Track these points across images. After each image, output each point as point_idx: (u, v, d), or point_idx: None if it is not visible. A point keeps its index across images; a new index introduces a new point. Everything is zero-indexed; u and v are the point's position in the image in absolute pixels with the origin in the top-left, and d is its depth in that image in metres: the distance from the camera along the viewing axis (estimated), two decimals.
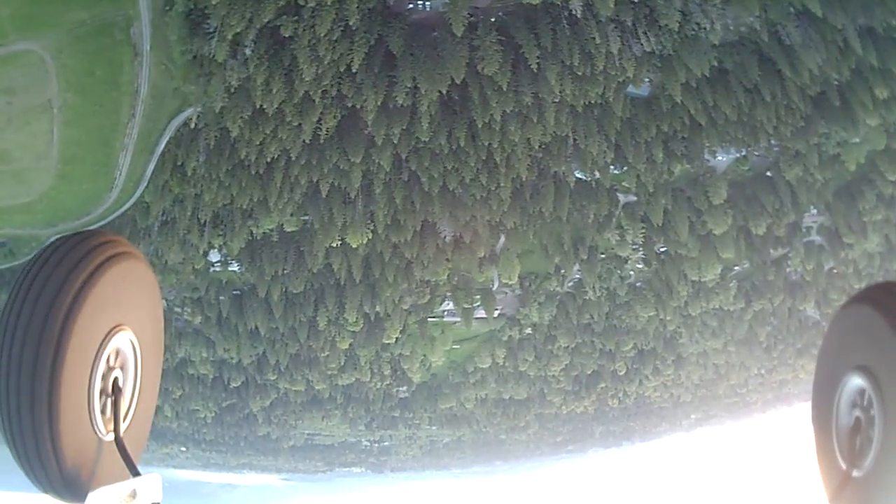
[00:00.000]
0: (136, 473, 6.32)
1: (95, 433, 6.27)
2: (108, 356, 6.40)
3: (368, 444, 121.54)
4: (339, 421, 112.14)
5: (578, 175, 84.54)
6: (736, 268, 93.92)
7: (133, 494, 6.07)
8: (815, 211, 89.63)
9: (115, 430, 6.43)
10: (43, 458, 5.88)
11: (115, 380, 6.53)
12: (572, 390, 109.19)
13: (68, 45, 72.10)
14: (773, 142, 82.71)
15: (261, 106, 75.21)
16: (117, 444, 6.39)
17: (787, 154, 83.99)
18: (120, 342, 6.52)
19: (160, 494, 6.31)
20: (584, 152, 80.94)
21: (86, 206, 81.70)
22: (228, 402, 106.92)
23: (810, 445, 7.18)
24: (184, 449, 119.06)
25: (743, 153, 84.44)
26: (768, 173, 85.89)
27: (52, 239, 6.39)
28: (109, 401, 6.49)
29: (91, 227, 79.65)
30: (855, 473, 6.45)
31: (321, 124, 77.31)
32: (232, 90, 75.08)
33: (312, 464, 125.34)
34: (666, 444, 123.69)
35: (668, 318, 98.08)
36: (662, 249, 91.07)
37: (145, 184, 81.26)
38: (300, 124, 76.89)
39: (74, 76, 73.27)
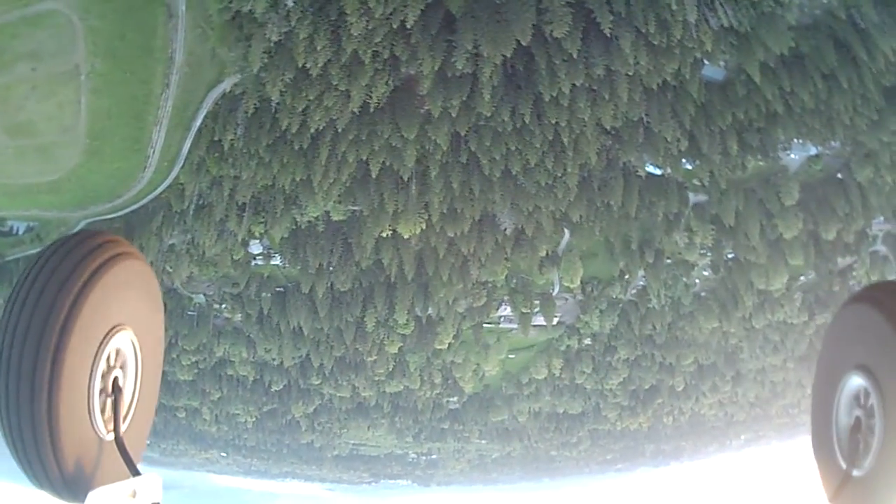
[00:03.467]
0: (136, 473, 5.90)
1: (95, 433, 5.92)
2: (109, 356, 6.04)
3: (415, 456, 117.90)
4: (386, 431, 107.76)
5: (650, 168, 78.15)
6: (802, 278, 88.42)
7: (133, 494, 5.66)
8: (881, 219, 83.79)
9: (116, 429, 6.05)
10: (43, 457, 5.55)
11: (115, 379, 6.15)
12: (628, 405, 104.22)
13: (96, 5, 64.71)
14: (847, 136, 76.01)
15: (304, 65, 66.87)
16: (117, 443, 6.02)
17: (858, 153, 77.70)
18: (120, 342, 6.16)
19: (160, 494, 5.85)
20: (657, 139, 73.67)
21: (117, 188, 75.39)
22: (270, 407, 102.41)
23: (810, 445, 6.84)
24: (224, 454, 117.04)
25: (816, 152, 78.83)
26: (839, 175, 79.97)
27: (52, 240, 4.89)
28: (109, 401, 6.10)
29: (125, 210, 76.73)
30: (855, 473, 6.15)
31: (371, 92, 69.06)
32: (272, 49, 67.41)
33: (357, 474, 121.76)
34: (712, 463, 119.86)
35: (731, 330, 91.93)
36: (730, 256, 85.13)
37: (181, 163, 74.36)
38: (348, 91, 68.59)
39: (103, 40, 65.77)
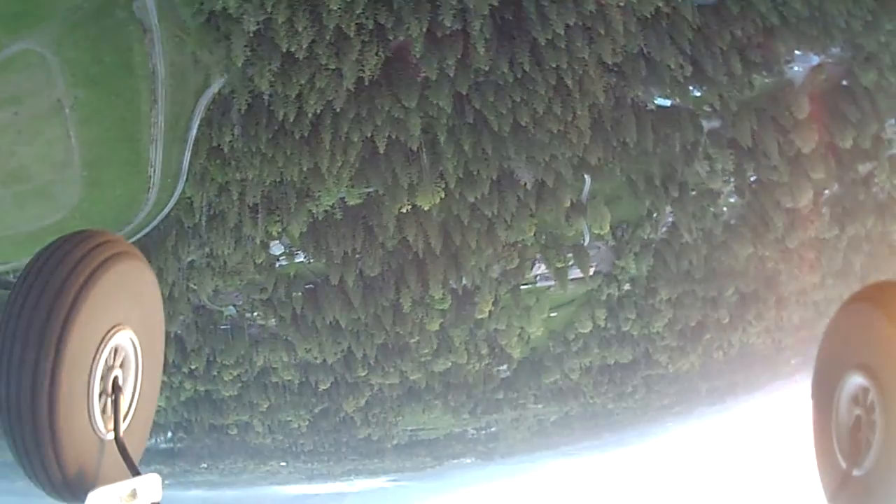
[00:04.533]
0: (136, 473, 5.81)
1: (95, 433, 5.80)
2: (108, 355, 5.90)
3: (475, 432, 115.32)
4: (441, 411, 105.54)
5: (659, 101, 77.30)
6: (826, 191, 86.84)
7: (133, 494, 5.57)
8: (893, 121, 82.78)
9: (116, 429, 5.92)
10: (43, 457, 5.46)
11: (115, 379, 6.01)
12: (678, 346, 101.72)
13: (67, 36, 64.20)
14: (845, 41, 75.52)
15: (288, 50, 66.16)
16: (117, 443, 5.90)
17: (859, 57, 76.72)
18: (120, 341, 6.02)
19: (160, 494, 5.77)
20: (661, 68, 72.86)
21: (124, 214, 74.31)
22: (321, 407, 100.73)
23: (810, 444, 6.78)
24: (284, 464, 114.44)
25: (818, 61, 77.64)
26: (844, 82, 78.88)
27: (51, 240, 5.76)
28: (109, 400, 5.97)
29: (137, 236, 75.25)
30: (855, 472, 6.08)
31: (363, 66, 68.18)
32: (253, 41, 66.52)
33: (420, 460, 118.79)
34: (768, 400, 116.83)
35: (766, 253, 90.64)
36: (753, 178, 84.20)
37: (184, 177, 73.48)
38: (339, 68, 67.76)
39: (81, 68, 65.39)
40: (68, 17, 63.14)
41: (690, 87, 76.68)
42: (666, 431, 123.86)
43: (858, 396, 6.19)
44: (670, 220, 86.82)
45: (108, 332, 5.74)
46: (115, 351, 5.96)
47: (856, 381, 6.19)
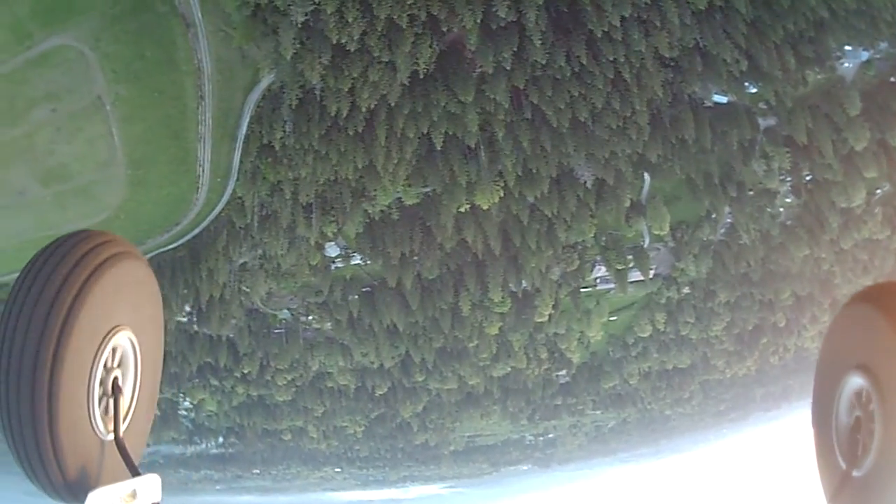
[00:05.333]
0: (136, 473, 5.70)
1: (95, 433, 5.72)
2: (108, 356, 5.82)
3: (532, 438, 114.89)
4: (499, 417, 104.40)
5: (716, 97, 75.81)
6: (878, 190, 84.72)
7: (133, 494, 5.48)
8: None
9: (115, 429, 5.84)
10: (43, 458, 5.36)
11: (115, 379, 5.93)
12: (735, 350, 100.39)
13: (105, 30, 61.95)
14: (892, 35, 73.49)
15: (339, 42, 63.99)
16: (117, 443, 5.83)
17: None
18: (120, 342, 5.93)
19: (160, 494, 5.66)
20: (717, 63, 71.44)
21: (172, 215, 73.32)
22: (377, 413, 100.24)
23: (810, 445, 6.80)
24: (339, 470, 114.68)
25: (867, 57, 76.04)
26: (892, 78, 77.30)
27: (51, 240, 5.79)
28: (109, 401, 5.90)
29: (187, 237, 76.00)
30: (855, 473, 5.97)
31: (417, 59, 66.22)
32: (302, 33, 64.38)
33: (477, 467, 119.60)
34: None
35: (821, 255, 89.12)
36: (808, 177, 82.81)
37: (235, 176, 71.86)
38: (392, 61, 65.96)
39: (121, 64, 63.35)
40: (106, 11, 61.17)
41: (746, 84, 75.25)
42: (721, 438, 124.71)
43: (858, 397, 6.02)
44: (728, 220, 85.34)
45: (108, 332, 5.61)
46: (115, 351, 5.83)
47: (856, 381, 6.04)
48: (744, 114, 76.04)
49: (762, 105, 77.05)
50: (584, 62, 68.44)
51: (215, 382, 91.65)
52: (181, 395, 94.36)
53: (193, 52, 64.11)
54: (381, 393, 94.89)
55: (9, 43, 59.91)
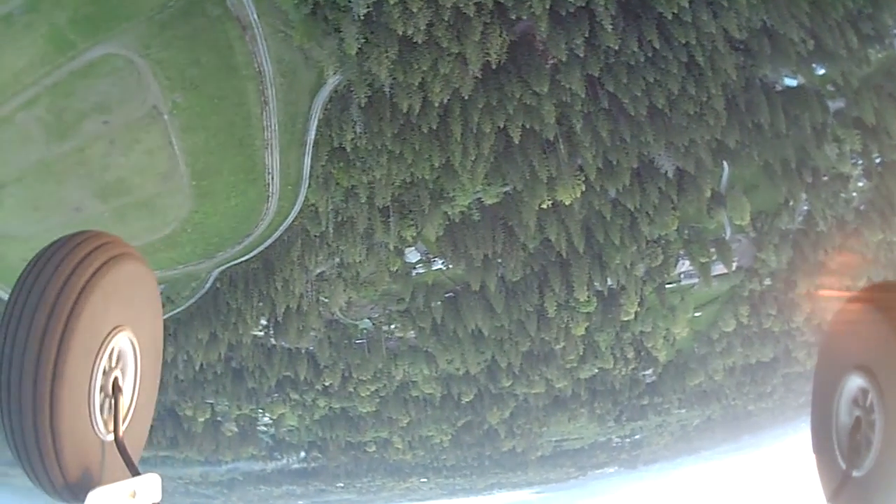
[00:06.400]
0: (135, 473, 5.60)
1: (95, 433, 5.60)
2: (108, 356, 5.69)
3: (619, 440, 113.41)
4: (587, 420, 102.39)
5: (787, 81, 74.13)
6: None
7: (133, 494, 5.37)
8: None
9: (115, 430, 5.74)
10: (44, 457, 5.27)
11: (115, 380, 5.82)
12: (816, 341, 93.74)
13: (154, 37, 59.61)
14: None
15: (405, 34, 61.96)
16: (117, 443, 5.73)
17: None
18: (120, 342, 5.83)
19: (160, 494, 5.56)
20: (784, 43, 69.41)
21: (242, 226, 70.99)
22: (464, 421, 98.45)
23: (809, 445, 6.58)
24: (424, 480, 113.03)
25: None
26: None
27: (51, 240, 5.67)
28: (109, 401, 5.79)
29: (260, 248, 74.31)
30: (855, 473, 5.81)
31: (487, 49, 64.41)
32: (365, 27, 62.17)
33: (564, 471, 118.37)
34: None
35: (894, 239, 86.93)
36: (878, 160, 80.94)
37: (306, 182, 69.48)
38: (461, 53, 64.09)
39: (175, 71, 61.01)
40: (153, 17, 59.08)
41: (813, 65, 73.90)
42: (800, 432, 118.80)
43: (858, 397, 5.89)
44: (805, 207, 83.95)
45: (109, 333, 5.58)
46: (115, 352, 5.77)
47: (856, 381, 5.91)
48: (814, 96, 74.57)
49: (829, 87, 75.52)
50: (657, 46, 67.18)
51: (295, 396, 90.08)
52: (260, 410, 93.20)
53: (252, 55, 61.90)
54: (467, 400, 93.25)
55: (49, 54, 57.92)
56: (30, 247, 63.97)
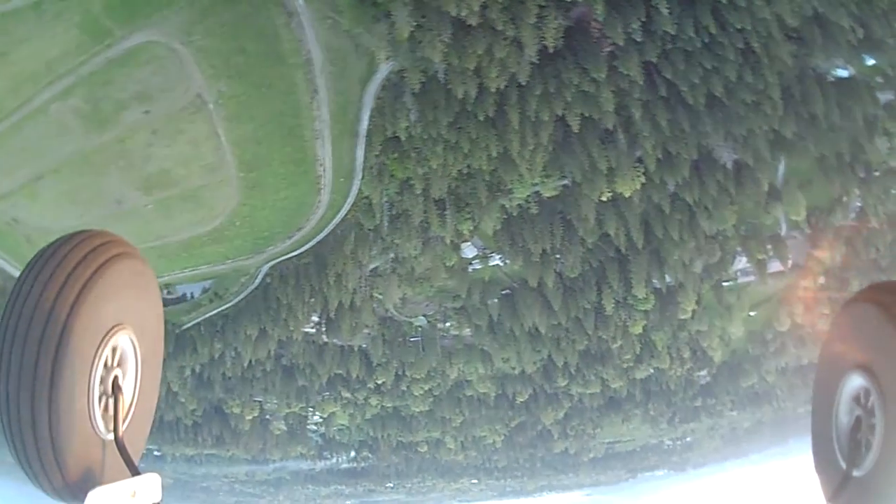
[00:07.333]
0: (135, 473, 5.55)
1: (95, 433, 5.56)
2: (108, 356, 5.65)
3: (671, 442, 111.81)
4: (640, 422, 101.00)
5: (839, 72, 71.97)
6: None
7: (133, 494, 5.33)
8: None
9: (115, 429, 5.67)
10: (43, 457, 5.26)
11: (115, 379, 5.77)
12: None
13: (196, 24, 57.85)
14: None
15: (458, 16, 59.75)
16: (117, 443, 5.67)
17: None
18: (120, 341, 5.77)
19: (160, 494, 5.50)
20: (835, 31, 66.89)
21: (293, 219, 69.38)
22: (517, 421, 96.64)
23: (810, 445, 6.54)
24: (475, 481, 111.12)
25: None
26: None
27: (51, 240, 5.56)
28: (109, 400, 5.73)
29: (311, 242, 72.81)
30: (855, 473, 5.73)
31: (543, 34, 62.15)
32: (416, 10, 60.23)
33: (614, 474, 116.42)
34: None
35: None
36: None
37: (359, 174, 67.84)
38: (517, 37, 61.80)
39: (220, 59, 59.39)
40: (194, 3, 57.72)
41: (863, 56, 71.26)
42: None
43: (859, 397, 5.83)
44: (857, 203, 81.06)
45: (109, 332, 5.52)
46: (115, 351, 5.72)
47: (856, 381, 5.84)
48: (864, 88, 72.24)
49: (878, 79, 72.83)
50: (713, 31, 65.30)
51: (347, 395, 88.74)
52: (310, 409, 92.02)
53: (300, 42, 60.11)
54: (521, 400, 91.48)
55: (84, 42, 56.14)
56: None
